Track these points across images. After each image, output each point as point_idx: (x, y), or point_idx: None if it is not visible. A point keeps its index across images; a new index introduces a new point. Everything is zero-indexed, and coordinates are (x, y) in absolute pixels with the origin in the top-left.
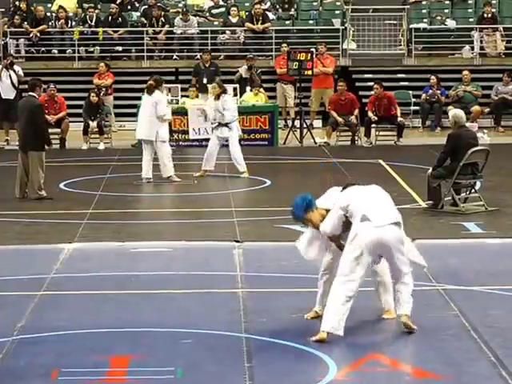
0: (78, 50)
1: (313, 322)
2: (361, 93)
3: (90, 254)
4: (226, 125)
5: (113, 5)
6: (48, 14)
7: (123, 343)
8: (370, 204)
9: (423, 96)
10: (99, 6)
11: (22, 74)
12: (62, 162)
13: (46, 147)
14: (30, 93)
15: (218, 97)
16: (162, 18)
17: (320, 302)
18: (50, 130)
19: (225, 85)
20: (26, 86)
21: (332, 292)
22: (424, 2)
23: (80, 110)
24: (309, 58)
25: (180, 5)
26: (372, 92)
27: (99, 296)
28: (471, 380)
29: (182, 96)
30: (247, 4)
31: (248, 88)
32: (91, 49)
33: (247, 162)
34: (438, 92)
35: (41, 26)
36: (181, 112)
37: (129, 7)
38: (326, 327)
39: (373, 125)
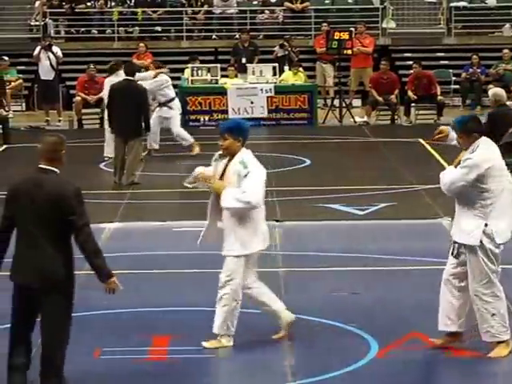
0: (118, 31)
1: (351, 301)
2: (400, 72)
3: (131, 234)
4: None
5: None
6: None
7: (164, 322)
8: None
9: (463, 75)
10: None
11: (61, 55)
12: (102, 142)
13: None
14: (129, 77)
15: None
16: None
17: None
18: (90, 110)
19: (262, 64)
20: (65, 67)
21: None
22: None
23: None
24: (348, 37)
25: None
26: (411, 71)
27: (140, 275)
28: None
29: (222, 76)
30: None
31: (286, 67)
32: (130, 29)
33: (287, 141)
34: (478, 71)
35: (80, 6)
36: (220, 92)
37: None
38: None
39: (412, 104)
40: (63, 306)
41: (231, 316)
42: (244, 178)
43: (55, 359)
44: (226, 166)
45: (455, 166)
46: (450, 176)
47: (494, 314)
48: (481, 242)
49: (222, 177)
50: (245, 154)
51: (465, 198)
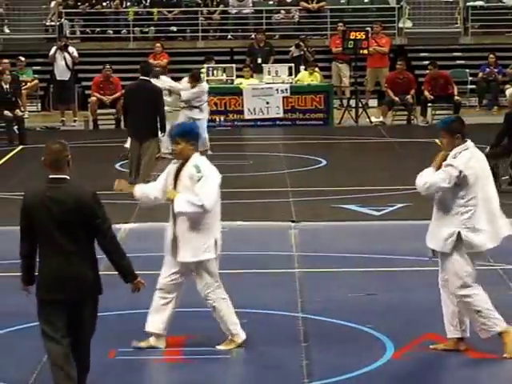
0: (133, 31)
1: (367, 302)
2: (416, 72)
3: (147, 234)
4: None
5: None
6: None
7: (179, 323)
8: None
9: (480, 74)
10: None
11: (77, 56)
12: (118, 142)
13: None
14: (144, 77)
15: None
16: None
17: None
18: (106, 111)
19: (278, 64)
20: (80, 67)
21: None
22: None
23: None
24: (364, 37)
25: None
26: (428, 71)
27: (156, 276)
28: None
29: (237, 76)
30: None
31: (302, 67)
32: (146, 29)
33: (302, 142)
34: (495, 70)
35: (95, 7)
36: (236, 92)
37: None
38: None
39: (429, 104)
40: (93, 308)
41: (232, 315)
42: (197, 182)
43: (88, 364)
44: (180, 169)
45: (435, 168)
46: (429, 179)
47: (478, 311)
48: (454, 247)
49: (176, 180)
50: (198, 159)
51: (442, 203)
